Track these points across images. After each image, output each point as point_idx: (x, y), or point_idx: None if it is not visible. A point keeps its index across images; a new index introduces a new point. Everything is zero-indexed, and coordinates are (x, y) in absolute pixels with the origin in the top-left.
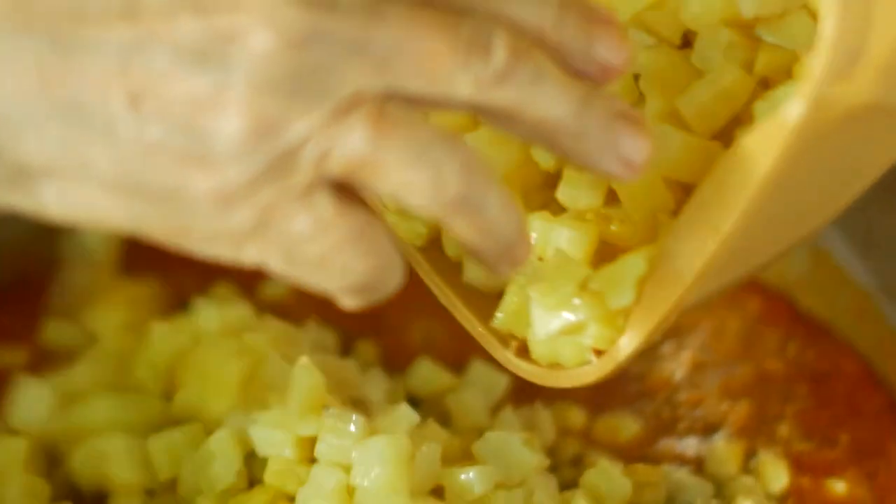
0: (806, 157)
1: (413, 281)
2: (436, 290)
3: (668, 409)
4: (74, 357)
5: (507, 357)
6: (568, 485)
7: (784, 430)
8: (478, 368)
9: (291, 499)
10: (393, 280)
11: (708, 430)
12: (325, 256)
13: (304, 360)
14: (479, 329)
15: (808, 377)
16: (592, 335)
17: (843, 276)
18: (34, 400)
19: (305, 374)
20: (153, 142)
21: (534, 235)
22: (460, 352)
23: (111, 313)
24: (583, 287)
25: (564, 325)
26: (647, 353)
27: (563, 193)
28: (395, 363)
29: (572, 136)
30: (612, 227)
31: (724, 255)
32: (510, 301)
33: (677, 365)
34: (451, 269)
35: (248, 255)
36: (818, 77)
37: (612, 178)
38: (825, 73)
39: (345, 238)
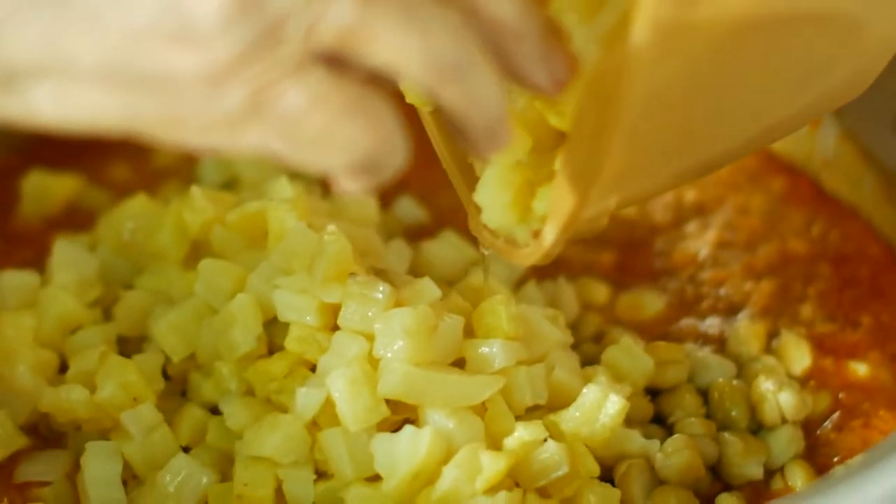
0: (689, 64)
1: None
2: (438, 153)
3: (691, 288)
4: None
5: (477, 225)
6: (589, 361)
7: (807, 311)
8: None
9: (312, 366)
10: (395, 158)
11: (731, 309)
12: (325, 131)
13: (331, 227)
14: (466, 195)
15: (831, 258)
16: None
17: (869, 157)
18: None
19: (332, 241)
20: (139, 26)
21: None
22: None
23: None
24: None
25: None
26: (672, 231)
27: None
28: (419, 235)
29: (515, 36)
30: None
31: (625, 153)
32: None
33: (702, 243)
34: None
35: (248, 140)
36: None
37: (540, 90)
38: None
39: (342, 111)
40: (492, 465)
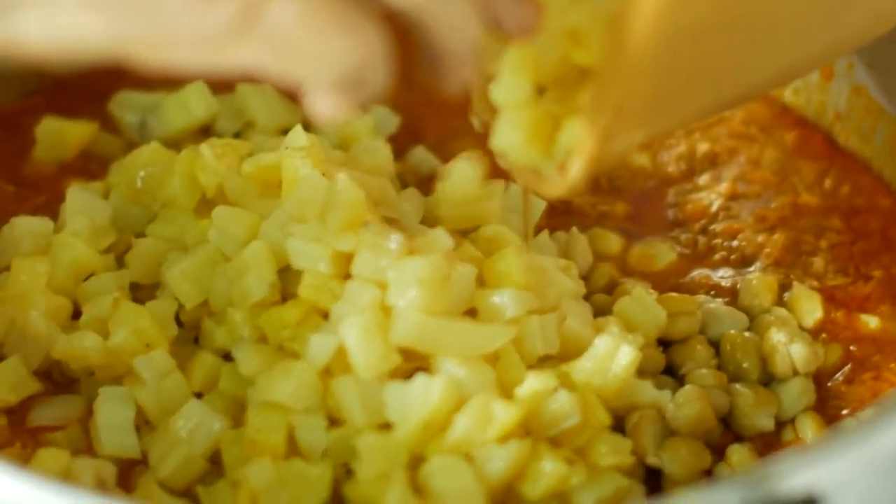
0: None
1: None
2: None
3: (704, 239)
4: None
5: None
6: (601, 311)
7: (818, 263)
8: (515, 191)
9: (325, 314)
10: (378, 76)
11: (743, 261)
12: (312, 46)
13: (342, 175)
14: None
15: (842, 211)
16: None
17: (881, 112)
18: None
19: (346, 190)
20: None
21: None
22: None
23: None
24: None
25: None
26: (685, 183)
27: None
28: (432, 185)
29: None
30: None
31: (649, 87)
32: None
33: (714, 195)
34: None
35: (240, 57)
36: None
37: (510, 33)
38: None
39: (329, 25)
40: (503, 415)
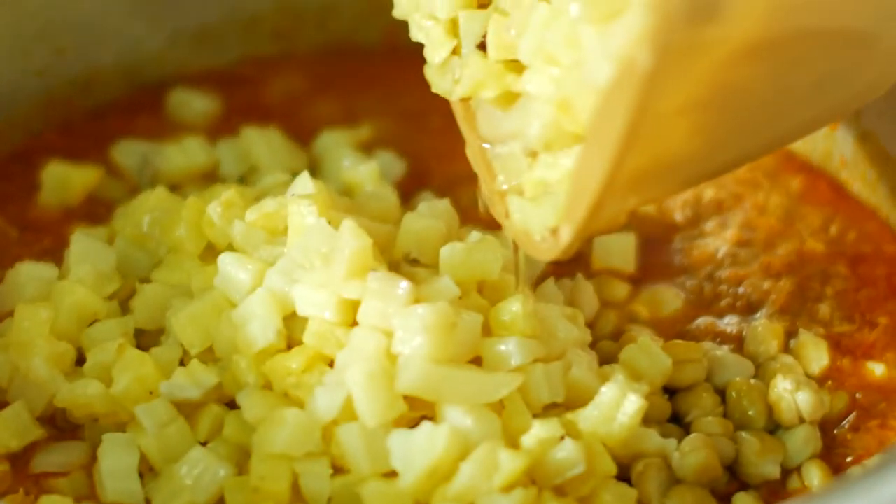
0: (696, 82)
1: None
2: (467, 139)
3: (710, 286)
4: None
5: (500, 213)
6: (607, 359)
7: (824, 310)
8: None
9: (330, 362)
10: None
11: (749, 308)
12: None
13: (349, 222)
14: (490, 184)
15: (848, 258)
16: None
17: (887, 158)
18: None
19: (352, 237)
20: None
21: None
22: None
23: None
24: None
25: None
26: (691, 229)
27: None
28: None
29: None
30: None
31: (639, 159)
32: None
33: (721, 241)
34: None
35: None
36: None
37: None
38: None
39: None
40: (509, 464)
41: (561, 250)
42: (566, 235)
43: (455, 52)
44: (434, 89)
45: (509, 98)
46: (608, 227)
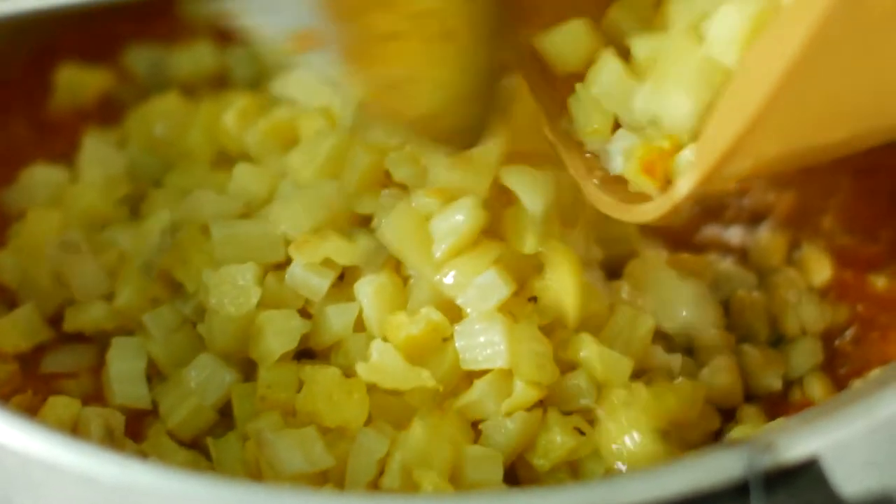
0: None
1: None
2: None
3: (715, 196)
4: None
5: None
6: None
7: (827, 222)
8: None
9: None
10: None
11: (753, 219)
12: None
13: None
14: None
15: (851, 170)
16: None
17: None
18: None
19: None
20: None
21: None
22: None
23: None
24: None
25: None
26: None
27: None
28: None
29: None
30: None
31: (777, 106)
32: None
33: None
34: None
35: None
36: None
37: None
38: None
39: None
40: (521, 395)
41: (673, 204)
42: (685, 186)
43: None
44: None
45: None
46: (722, 185)
